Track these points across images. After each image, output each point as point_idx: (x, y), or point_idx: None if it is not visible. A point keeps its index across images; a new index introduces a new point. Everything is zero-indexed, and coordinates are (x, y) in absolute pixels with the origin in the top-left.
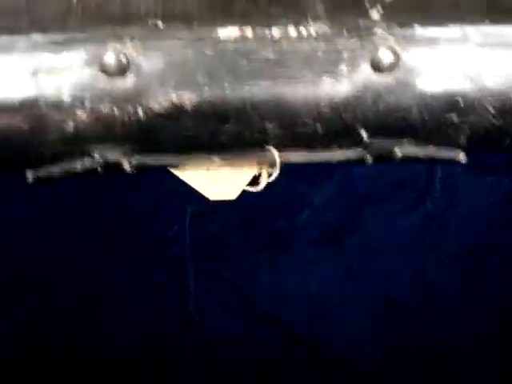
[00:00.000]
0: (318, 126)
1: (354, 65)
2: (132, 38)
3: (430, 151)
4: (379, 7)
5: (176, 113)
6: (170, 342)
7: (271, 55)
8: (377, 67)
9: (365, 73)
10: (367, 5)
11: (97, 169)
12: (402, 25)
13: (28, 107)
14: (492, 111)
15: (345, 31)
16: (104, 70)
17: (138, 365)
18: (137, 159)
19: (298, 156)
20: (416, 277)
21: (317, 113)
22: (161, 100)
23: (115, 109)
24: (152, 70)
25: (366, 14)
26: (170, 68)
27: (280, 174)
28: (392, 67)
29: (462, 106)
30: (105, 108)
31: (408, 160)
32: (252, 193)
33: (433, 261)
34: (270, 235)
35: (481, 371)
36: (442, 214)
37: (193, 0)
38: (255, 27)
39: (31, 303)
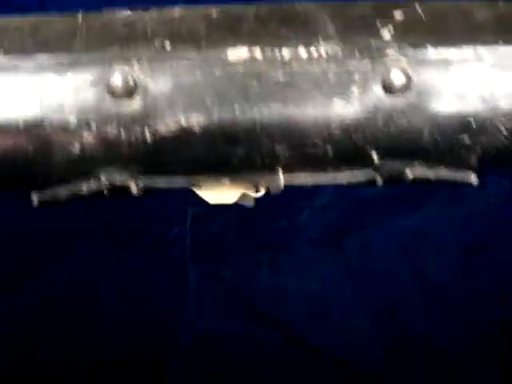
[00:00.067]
0: (329, 147)
1: (365, 86)
2: (139, 60)
3: (441, 173)
4: (390, 27)
5: (184, 135)
6: (170, 342)
7: (281, 77)
8: (388, 89)
9: (376, 94)
10: (378, 25)
11: (103, 191)
12: (414, 45)
13: (33, 128)
14: (504, 132)
15: (356, 52)
16: (111, 91)
17: (138, 365)
18: (144, 182)
19: (308, 177)
20: (416, 277)
21: (327, 134)
22: (169, 122)
23: (122, 131)
24: (160, 91)
25: (377, 34)
26: (178, 90)
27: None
28: (404, 89)
29: (474, 127)
30: (111, 130)
31: (419, 182)
32: None
33: (433, 261)
34: (270, 235)
35: (481, 371)
36: (443, 214)
37: (200, 19)
38: (265, 48)
39: (31, 303)
